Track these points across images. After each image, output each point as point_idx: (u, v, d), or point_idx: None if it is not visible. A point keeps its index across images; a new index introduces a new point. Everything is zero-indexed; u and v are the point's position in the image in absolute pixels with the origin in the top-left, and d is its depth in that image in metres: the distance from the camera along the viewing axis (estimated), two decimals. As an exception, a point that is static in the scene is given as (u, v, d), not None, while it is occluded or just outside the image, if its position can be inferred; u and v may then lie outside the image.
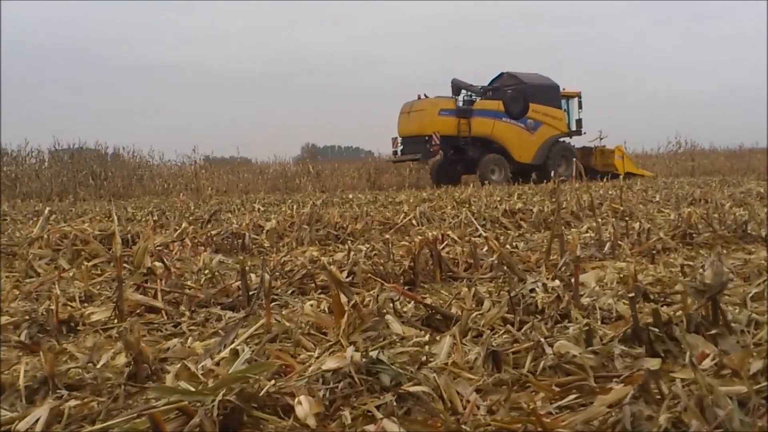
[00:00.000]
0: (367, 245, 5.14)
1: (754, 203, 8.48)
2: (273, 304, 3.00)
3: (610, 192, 10.89)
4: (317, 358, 2.15)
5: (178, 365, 2.14)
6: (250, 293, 3.29)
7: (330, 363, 1.94)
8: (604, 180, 15.63)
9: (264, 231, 6.26)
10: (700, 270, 2.63)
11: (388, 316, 2.59)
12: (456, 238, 5.08)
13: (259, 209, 10.28)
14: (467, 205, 9.06)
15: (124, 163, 25.49)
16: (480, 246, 4.57)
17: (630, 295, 2.41)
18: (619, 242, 4.79)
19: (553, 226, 4.76)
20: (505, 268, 3.85)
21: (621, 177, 12.83)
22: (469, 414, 1.77)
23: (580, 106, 23.71)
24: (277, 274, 3.99)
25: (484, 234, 4.58)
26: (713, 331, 2.19)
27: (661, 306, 2.66)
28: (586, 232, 5.82)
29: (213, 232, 6.16)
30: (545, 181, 17.33)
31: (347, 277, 3.72)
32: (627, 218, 6.36)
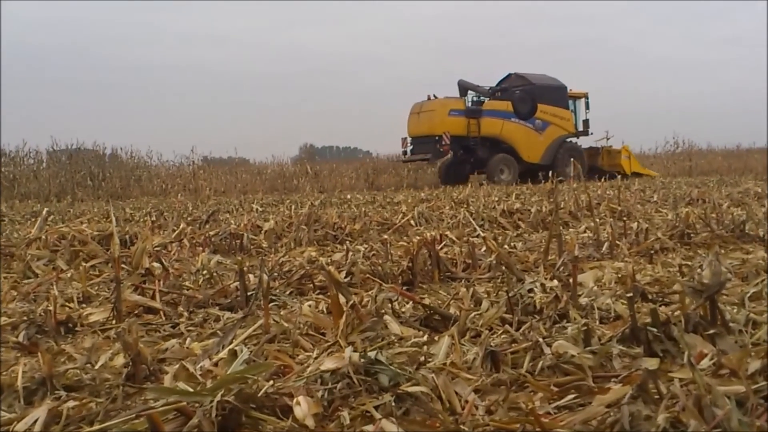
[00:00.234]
0: (366, 246, 5.13)
1: (752, 203, 8.49)
2: (271, 304, 2.99)
3: (608, 192, 10.89)
4: (316, 358, 2.15)
5: (177, 366, 2.13)
6: (249, 294, 3.29)
7: (328, 363, 1.94)
8: (602, 180, 15.65)
9: (262, 231, 6.26)
10: (698, 270, 2.64)
11: (386, 317, 2.60)
12: (454, 238, 5.08)
13: (257, 210, 10.29)
14: (465, 206, 9.07)
15: (122, 164, 25.44)
16: (478, 246, 4.57)
17: (628, 295, 2.41)
18: (617, 242, 4.79)
19: (551, 226, 4.76)
20: (504, 268, 3.86)
21: (619, 177, 12.85)
22: (467, 414, 1.77)
23: (587, 107, 23.85)
24: (276, 274, 3.98)
25: (482, 234, 4.59)
26: (711, 331, 2.19)
27: (659, 306, 2.66)
28: (584, 232, 5.81)
29: (211, 233, 6.14)
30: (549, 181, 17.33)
31: (345, 277, 3.72)
32: (625, 218, 6.36)
